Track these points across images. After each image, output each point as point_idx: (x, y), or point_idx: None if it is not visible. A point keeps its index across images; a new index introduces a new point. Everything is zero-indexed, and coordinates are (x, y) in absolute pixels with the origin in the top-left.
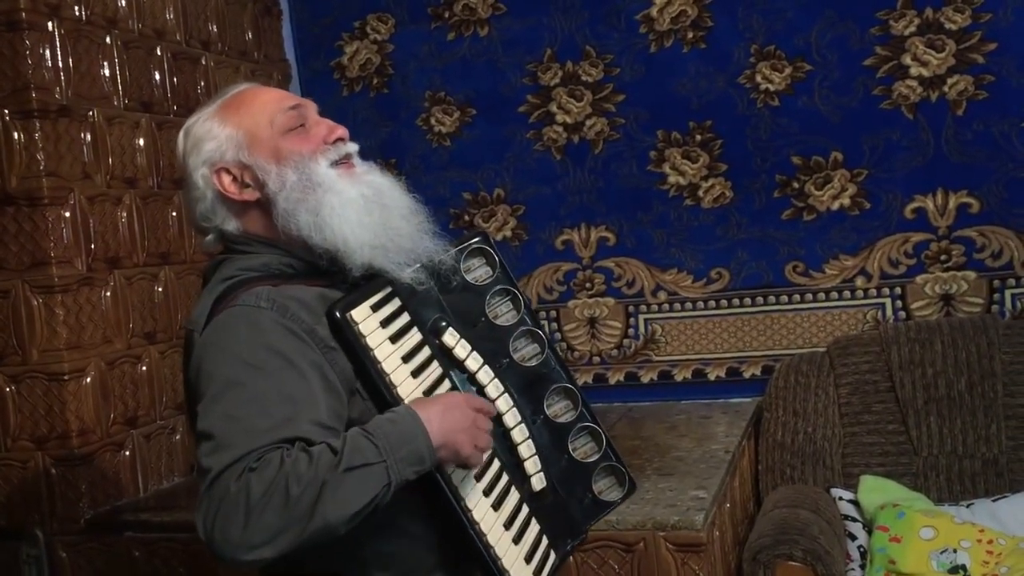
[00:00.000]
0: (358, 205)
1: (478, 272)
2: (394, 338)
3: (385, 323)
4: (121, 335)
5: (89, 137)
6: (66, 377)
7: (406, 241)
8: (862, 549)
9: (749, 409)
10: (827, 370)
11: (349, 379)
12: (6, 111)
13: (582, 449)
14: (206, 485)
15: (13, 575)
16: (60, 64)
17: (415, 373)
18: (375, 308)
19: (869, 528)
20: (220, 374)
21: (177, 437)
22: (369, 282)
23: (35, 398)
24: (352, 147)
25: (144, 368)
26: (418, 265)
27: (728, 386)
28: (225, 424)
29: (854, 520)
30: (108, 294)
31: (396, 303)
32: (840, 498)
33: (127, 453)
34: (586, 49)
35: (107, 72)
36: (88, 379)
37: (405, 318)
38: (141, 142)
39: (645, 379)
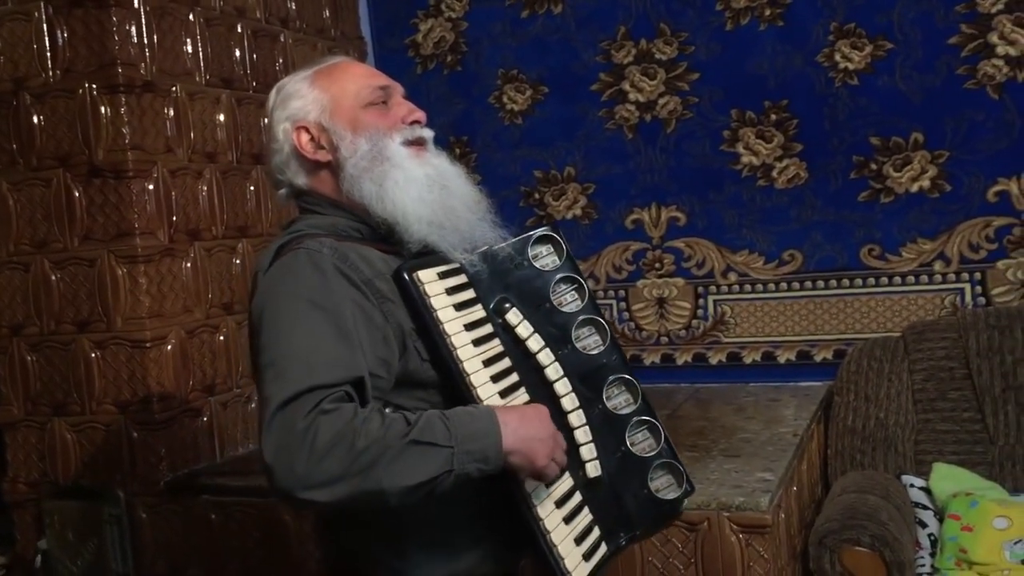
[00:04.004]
0: (420, 183)
1: (546, 260)
2: (458, 307)
3: (450, 291)
4: (200, 305)
5: (172, 112)
6: (148, 344)
7: (463, 224)
8: (932, 537)
9: (819, 393)
10: (901, 355)
11: (403, 333)
12: (94, 86)
13: (640, 444)
14: (270, 413)
15: (96, 532)
16: (145, 40)
17: (476, 343)
18: (442, 276)
19: (940, 516)
20: (281, 309)
21: (252, 406)
22: (435, 255)
23: (118, 364)
24: (428, 133)
25: (222, 338)
26: (476, 249)
27: (798, 369)
28: (287, 356)
29: (925, 508)
30: (188, 265)
31: (462, 278)
32: (911, 485)
33: (205, 419)
34: (660, 27)
35: (189, 49)
36: (169, 347)
37: (470, 293)
38: (221, 117)
39: (713, 360)
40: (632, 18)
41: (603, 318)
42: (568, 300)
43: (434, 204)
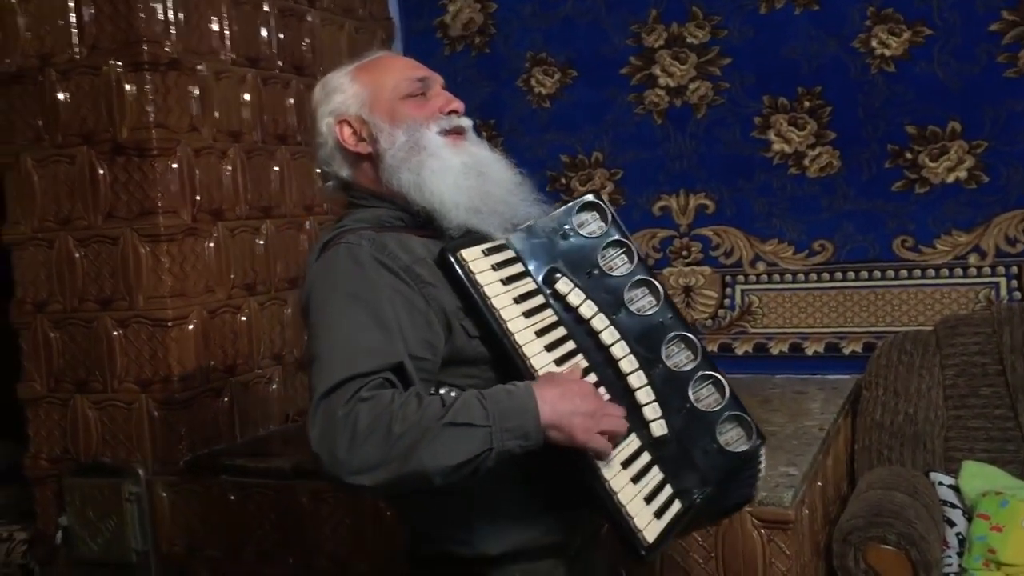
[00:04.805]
0: (457, 171)
1: (591, 227)
2: (506, 281)
3: (497, 267)
4: (223, 285)
5: (197, 91)
6: (169, 324)
7: (502, 208)
8: (960, 536)
9: (847, 386)
10: (933, 350)
11: (448, 314)
12: (119, 63)
13: (706, 400)
14: (314, 404)
15: (115, 510)
16: (171, 18)
17: (527, 314)
18: (487, 253)
19: (969, 515)
20: (325, 304)
21: (273, 387)
22: (478, 234)
23: (140, 342)
24: (466, 122)
25: (244, 318)
26: (518, 227)
27: (826, 362)
28: (329, 347)
29: (953, 506)
30: (211, 245)
31: (509, 253)
32: (940, 483)
33: (225, 400)
34: (692, 10)
35: (216, 27)
36: (190, 326)
37: (518, 267)
38: (247, 97)
39: (740, 351)
40: (664, 1)
41: (655, 278)
42: (618, 264)
43: (471, 191)
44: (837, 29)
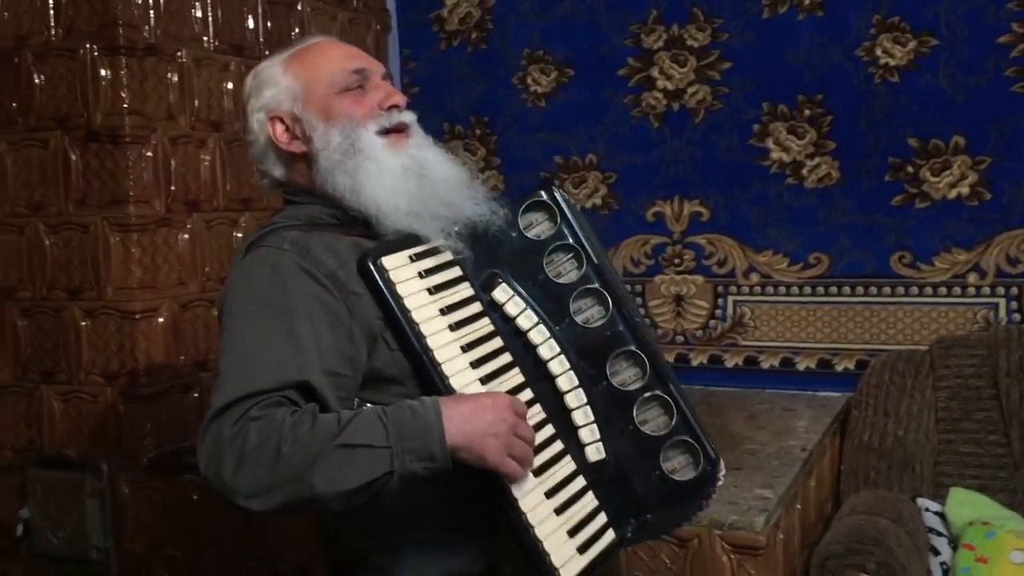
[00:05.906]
0: (396, 174)
1: (540, 227)
2: (435, 290)
3: (426, 274)
4: (196, 278)
5: (176, 78)
6: (138, 316)
7: (445, 209)
8: (945, 567)
9: (837, 405)
10: (927, 371)
11: (371, 326)
12: (94, 47)
13: (653, 422)
14: (205, 423)
15: (77, 505)
16: (150, 2)
17: (456, 326)
18: (415, 258)
19: (955, 544)
20: (235, 312)
21: None
22: (411, 236)
23: (107, 334)
24: (408, 116)
25: (217, 312)
26: (458, 229)
27: (817, 378)
28: (229, 363)
29: (939, 534)
30: (186, 236)
31: (444, 257)
32: (926, 509)
33: (195, 395)
34: (693, 12)
35: (199, 13)
36: (160, 319)
37: (451, 273)
38: (230, 85)
39: (729, 363)
40: (664, 1)
41: (608, 285)
42: (566, 270)
43: (411, 193)
44: (841, 37)
